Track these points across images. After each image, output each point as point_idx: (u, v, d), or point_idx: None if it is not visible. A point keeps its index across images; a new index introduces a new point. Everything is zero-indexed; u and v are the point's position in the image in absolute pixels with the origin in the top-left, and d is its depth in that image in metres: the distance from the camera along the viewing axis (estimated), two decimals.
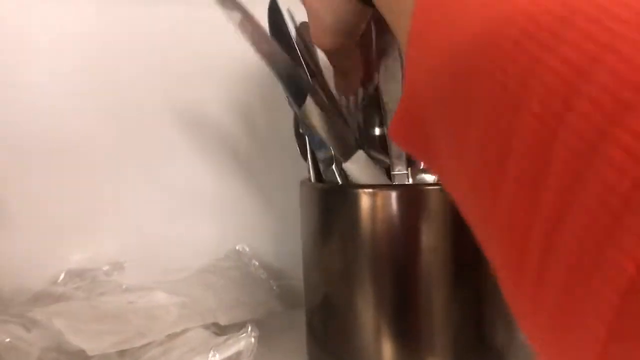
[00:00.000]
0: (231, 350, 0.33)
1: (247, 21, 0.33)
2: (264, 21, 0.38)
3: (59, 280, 0.45)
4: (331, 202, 0.40)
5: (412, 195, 0.38)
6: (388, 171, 0.41)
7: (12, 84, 0.47)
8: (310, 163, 0.42)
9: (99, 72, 0.49)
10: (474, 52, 0.16)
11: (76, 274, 0.46)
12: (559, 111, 0.13)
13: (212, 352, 0.32)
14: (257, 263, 0.52)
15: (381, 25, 0.40)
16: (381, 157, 0.43)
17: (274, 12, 0.39)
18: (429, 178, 0.41)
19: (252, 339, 0.33)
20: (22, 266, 0.47)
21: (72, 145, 0.49)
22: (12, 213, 0.47)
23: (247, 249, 0.54)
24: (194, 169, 0.52)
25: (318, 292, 0.42)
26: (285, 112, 0.43)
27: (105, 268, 0.48)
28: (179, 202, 0.52)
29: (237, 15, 0.33)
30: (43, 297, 0.40)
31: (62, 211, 0.49)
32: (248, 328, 0.34)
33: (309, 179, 0.43)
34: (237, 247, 0.53)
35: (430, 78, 0.18)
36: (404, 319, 0.39)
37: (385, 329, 0.40)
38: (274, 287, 0.51)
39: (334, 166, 0.39)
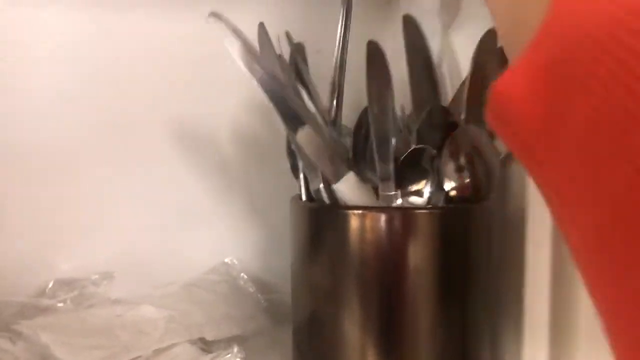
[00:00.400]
0: None
1: (243, 46, 0.34)
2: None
3: (47, 289, 0.45)
4: (321, 221, 0.40)
5: (401, 218, 0.39)
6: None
7: (7, 92, 0.48)
8: (301, 181, 0.43)
9: (94, 84, 0.49)
10: None
11: (65, 284, 0.47)
12: None
13: None
14: (245, 276, 0.53)
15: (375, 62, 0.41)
16: (374, 177, 0.43)
17: (263, 35, 0.40)
18: (417, 200, 0.41)
19: (238, 359, 0.34)
20: (11, 275, 0.47)
21: (64, 156, 0.49)
22: (2, 221, 0.47)
23: (236, 262, 0.54)
24: (185, 182, 0.53)
25: (305, 309, 0.43)
26: (279, 128, 0.43)
27: (94, 277, 0.48)
28: (169, 214, 0.53)
29: (234, 41, 0.34)
30: (30, 309, 0.40)
31: (53, 221, 0.49)
32: (234, 349, 0.34)
33: (300, 197, 0.43)
34: (225, 260, 0.53)
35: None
36: (390, 339, 0.40)
37: (370, 348, 0.40)
38: (262, 301, 0.52)
39: (321, 186, 0.39)
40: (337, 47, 0.44)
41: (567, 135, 0.17)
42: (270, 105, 0.37)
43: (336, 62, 0.44)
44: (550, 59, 0.17)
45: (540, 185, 0.19)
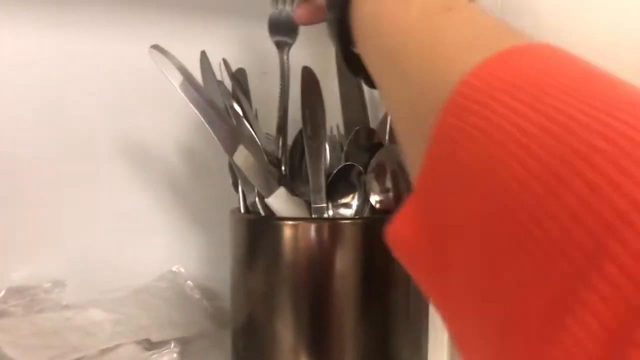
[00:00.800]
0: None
1: (183, 76, 0.38)
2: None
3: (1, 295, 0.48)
4: (257, 231, 0.44)
5: (328, 228, 0.43)
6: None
7: None
8: (240, 194, 0.47)
9: (47, 102, 0.52)
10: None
11: (17, 291, 0.49)
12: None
13: None
14: (191, 284, 0.56)
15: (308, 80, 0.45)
16: (308, 191, 0.48)
17: (204, 63, 0.44)
18: (344, 212, 0.46)
19: (175, 354, 0.37)
20: None
21: (17, 170, 0.52)
22: None
23: (183, 270, 0.57)
24: (134, 194, 0.56)
25: (242, 313, 0.46)
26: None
27: (47, 286, 0.51)
28: (118, 225, 0.56)
29: (174, 72, 0.38)
30: None
31: (4, 229, 0.52)
32: (171, 344, 0.38)
33: (239, 209, 0.47)
34: (173, 269, 0.57)
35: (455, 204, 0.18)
36: (319, 340, 0.44)
37: (301, 348, 0.44)
38: (208, 307, 0.55)
39: (256, 200, 0.43)
40: (280, 71, 0.49)
41: (447, 280, 0.19)
42: (209, 129, 0.41)
43: (281, 86, 0.48)
44: (428, 208, 0.20)
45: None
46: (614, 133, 0.15)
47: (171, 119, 0.55)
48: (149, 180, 0.57)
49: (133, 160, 0.56)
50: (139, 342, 0.43)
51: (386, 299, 0.45)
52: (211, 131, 0.40)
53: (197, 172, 0.58)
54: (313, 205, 0.45)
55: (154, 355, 0.37)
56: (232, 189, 0.49)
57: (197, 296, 0.56)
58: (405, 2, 0.24)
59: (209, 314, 0.54)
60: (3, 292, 0.49)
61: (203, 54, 0.44)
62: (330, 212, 0.46)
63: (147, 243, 0.57)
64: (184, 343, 0.47)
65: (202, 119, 0.39)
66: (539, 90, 0.17)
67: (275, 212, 0.44)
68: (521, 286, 0.16)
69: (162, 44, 0.40)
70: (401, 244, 0.23)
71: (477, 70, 0.18)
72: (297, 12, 0.37)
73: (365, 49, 0.27)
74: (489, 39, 0.21)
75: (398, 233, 0.22)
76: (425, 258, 0.21)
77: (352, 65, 0.30)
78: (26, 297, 0.49)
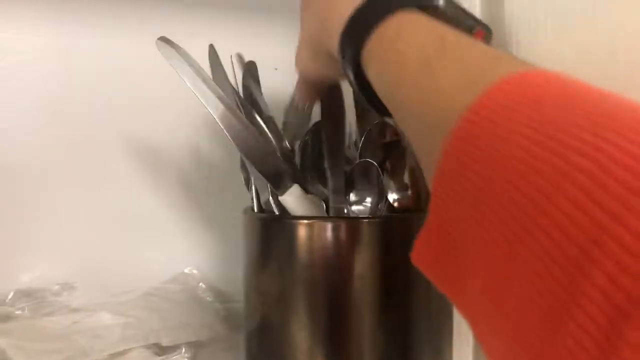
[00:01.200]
0: None
1: (193, 71, 0.36)
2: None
3: (7, 300, 0.47)
4: (270, 231, 0.43)
5: (345, 227, 0.41)
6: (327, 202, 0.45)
7: None
8: (253, 193, 0.45)
9: (53, 103, 0.51)
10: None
11: (25, 294, 0.48)
12: None
13: None
14: (204, 286, 0.55)
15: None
16: (322, 189, 0.46)
17: (213, 57, 0.42)
18: (361, 210, 0.44)
19: (185, 359, 0.36)
20: None
21: (26, 169, 0.51)
22: None
23: (196, 272, 0.56)
24: (146, 195, 0.55)
25: (256, 315, 0.45)
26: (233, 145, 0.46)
27: (55, 288, 0.49)
28: (130, 227, 0.55)
29: (184, 66, 0.36)
30: None
31: (14, 233, 0.51)
32: (182, 349, 0.36)
33: (252, 208, 0.46)
34: (185, 270, 0.55)
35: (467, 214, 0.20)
36: (335, 342, 0.42)
37: (317, 351, 0.43)
38: (220, 310, 0.54)
39: (270, 198, 0.42)
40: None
41: (466, 297, 0.22)
42: (221, 126, 0.39)
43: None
44: (441, 227, 0.22)
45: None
46: (596, 152, 0.16)
47: (182, 117, 0.54)
48: (160, 181, 0.55)
49: (144, 160, 0.54)
50: (148, 347, 0.41)
51: (406, 301, 0.43)
52: (222, 127, 0.38)
53: (209, 171, 0.57)
54: (332, 205, 0.44)
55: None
56: (243, 189, 0.47)
57: (210, 299, 0.54)
58: (402, 57, 0.26)
59: (222, 316, 0.53)
60: (11, 295, 0.48)
61: (211, 48, 0.43)
62: (345, 211, 0.44)
63: (159, 245, 0.55)
64: (196, 347, 0.46)
65: (212, 113, 0.37)
66: (529, 117, 0.19)
67: (290, 210, 0.42)
68: (521, 298, 0.18)
69: (171, 39, 0.39)
70: (425, 268, 0.25)
71: (477, 103, 0.21)
72: (297, 98, 0.41)
73: (381, 95, 0.29)
74: (485, 70, 0.23)
75: (421, 258, 0.25)
76: (445, 276, 0.23)
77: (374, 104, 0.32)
78: (34, 299, 0.48)
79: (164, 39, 0.38)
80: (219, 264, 0.57)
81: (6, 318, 0.42)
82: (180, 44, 0.39)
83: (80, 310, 0.43)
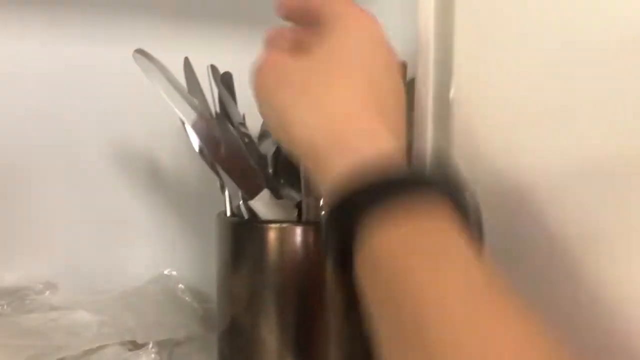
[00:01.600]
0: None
1: (167, 82, 0.38)
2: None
3: None
4: (241, 234, 0.45)
5: (313, 231, 0.43)
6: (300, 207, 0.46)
7: None
8: (226, 198, 0.47)
9: (40, 106, 0.53)
10: None
11: (7, 292, 0.50)
12: None
13: None
14: (182, 287, 0.57)
15: None
16: (295, 194, 0.48)
17: (188, 69, 0.44)
18: None
19: (153, 355, 0.37)
20: None
21: (11, 173, 0.53)
22: None
23: (175, 274, 0.58)
24: (127, 199, 0.57)
25: (227, 316, 0.47)
26: None
27: (39, 287, 0.51)
28: (113, 229, 0.57)
29: (159, 77, 0.38)
30: None
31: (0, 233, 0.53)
32: (149, 345, 0.38)
33: (225, 213, 0.47)
34: (165, 272, 0.57)
35: None
36: (303, 343, 0.44)
37: (286, 352, 0.44)
38: (198, 310, 0.56)
39: (240, 203, 0.44)
40: None
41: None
42: (193, 134, 0.41)
43: None
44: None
45: None
46: None
47: (159, 124, 0.56)
48: (141, 187, 0.58)
49: (124, 165, 0.57)
50: (123, 344, 0.43)
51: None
52: (194, 134, 0.40)
53: (188, 176, 0.59)
54: (305, 209, 0.45)
55: (133, 357, 0.37)
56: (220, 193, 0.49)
57: (188, 299, 0.56)
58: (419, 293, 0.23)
59: (199, 316, 0.54)
60: None
61: (186, 61, 0.45)
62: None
63: (141, 247, 0.58)
64: (171, 345, 0.48)
65: (185, 121, 0.39)
66: None
67: (260, 215, 0.44)
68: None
69: (149, 50, 0.41)
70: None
71: None
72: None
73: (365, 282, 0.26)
74: None
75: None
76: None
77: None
78: (17, 298, 0.49)
79: (140, 51, 0.40)
80: (197, 266, 0.59)
81: None
82: (157, 56, 0.41)
83: (59, 309, 0.45)
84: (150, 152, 0.57)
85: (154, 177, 0.58)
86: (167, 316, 0.51)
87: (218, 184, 0.50)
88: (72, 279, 0.54)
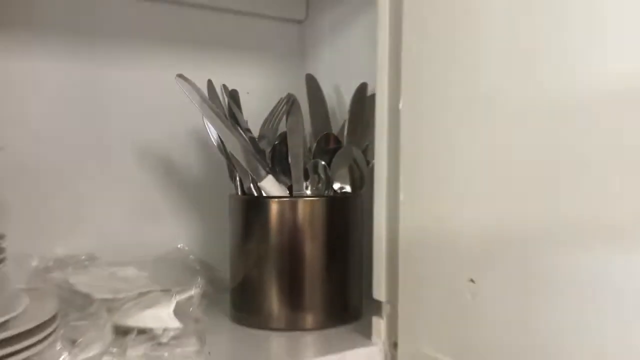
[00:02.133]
0: (187, 295, 0.52)
1: (200, 97, 0.54)
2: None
3: (50, 264, 0.62)
4: (251, 208, 0.61)
5: (303, 203, 0.60)
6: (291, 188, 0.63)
7: (17, 125, 0.65)
8: (237, 181, 0.63)
9: (87, 113, 0.68)
10: None
11: (61, 261, 0.64)
12: None
13: (174, 296, 0.51)
14: (193, 257, 0.72)
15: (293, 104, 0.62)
16: (287, 179, 0.64)
17: (210, 88, 0.61)
18: (314, 193, 0.63)
19: (199, 289, 0.53)
20: (17, 258, 0.64)
21: (59, 164, 0.67)
22: (17, 215, 0.64)
23: (186, 248, 0.73)
24: (150, 187, 0.72)
25: (239, 275, 0.62)
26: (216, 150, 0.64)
27: (82, 258, 0.65)
28: (138, 211, 0.71)
29: (194, 95, 0.54)
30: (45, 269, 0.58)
31: (48, 214, 0.67)
32: (198, 280, 0.53)
33: (236, 194, 0.63)
34: (179, 246, 0.72)
35: None
36: (296, 287, 0.60)
37: (281, 296, 0.60)
38: (206, 276, 0.71)
39: (251, 185, 0.60)
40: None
41: None
42: (215, 134, 0.58)
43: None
44: None
45: None
46: None
47: (176, 126, 0.72)
48: (160, 177, 0.73)
49: (147, 160, 0.72)
50: (163, 291, 0.58)
51: (344, 256, 0.62)
52: (220, 138, 0.56)
53: (197, 169, 0.75)
54: (294, 190, 0.62)
55: (183, 290, 0.52)
56: (224, 187, 0.65)
57: (198, 268, 0.71)
58: None
59: (208, 280, 0.69)
60: (52, 262, 0.63)
61: (210, 82, 0.61)
62: (307, 193, 0.63)
63: (159, 226, 0.72)
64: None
65: (212, 128, 0.56)
66: None
67: (266, 193, 0.60)
68: None
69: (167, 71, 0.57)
70: None
71: None
72: None
73: None
74: None
75: None
76: None
77: None
78: (69, 265, 0.63)
79: (181, 75, 0.56)
80: (204, 242, 0.75)
81: (61, 269, 0.58)
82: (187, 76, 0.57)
83: (115, 265, 0.60)
84: (168, 150, 0.73)
85: (170, 170, 0.73)
86: (184, 278, 0.66)
87: (227, 173, 0.66)
88: (108, 251, 0.68)
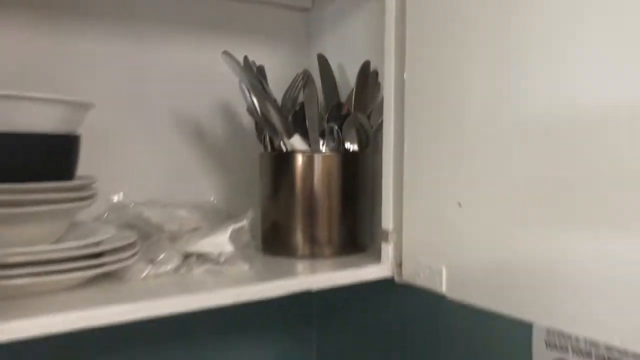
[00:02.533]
0: (240, 224, 0.66)
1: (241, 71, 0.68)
2: None
3: (109, 210, 0.75)
4: (281, 162, 0.74)
5: (323, 157, 0.74)
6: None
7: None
8: (267, 140, 0.77)
9: (139, 89, 0.81)
10: None
11: (117, 207, 0.77)
12: None
13: (231, 226, 0.65)
14: (221, 209, 0.85)
15: (308, 79, 0.76)
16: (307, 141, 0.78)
17: (248, 65, 0.74)
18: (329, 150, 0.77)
19: (250, 220, 0.67)
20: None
21: (112, 128, 0.79)
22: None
23: (215, 202, 0.87)
24: (185, 148, 0.85)
25: (270, 217, 0.76)
26: (243, 118, 0.77)
27: (133, 204, 0.78)
28: (175, 169, 0.84)
29: (237, 69, 0.68)
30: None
31: (107, 169, 0.79)
32: (249, 212, 0.67)
33: (266, 152, 0.77)
34: (211, 199, 0.86)
35: None
36: (315, 225, 0.74)
37: (304, 232, 0.74)
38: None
39: (281, 141, 0.74)
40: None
41: None
42: (253, 100, 0.71)
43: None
44: None
45: None
46: None
47: (208, 96, 0.85)
48: (194, 139, 0.86)
49: (183, 123, 0.85)
50: (210, 227, 0.71)
51: (356, 200, 0.76)
52: (254, 104, 0.70)
53: (226, 134, 0.88)
54: (312, 147, 0.76)
55: (236, 220, 0.66)
56: (249, 148, 0.79)
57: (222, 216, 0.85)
58: None
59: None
60: (108, 212, 0.76)
61: (246, 59, 0.75)
62: (324, 150, 0.77)
63: (192, 182, 0.86)
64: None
65: (249, 95, 0.69)
66: None
67: (294, 148, 0.74)
68: None
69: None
70: None
71: None
72: None
73: None
74: None
75: None
76: None
77: None
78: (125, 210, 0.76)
79: (226, 52, 0.69)
80: (230, 196, 0.88)
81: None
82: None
83: (168, 206, 0.73)
84: (201, 116, 0.86)
85: (203, 134, 0.87)
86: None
87: (253, 136, 0.80)
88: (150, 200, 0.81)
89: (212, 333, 0.90)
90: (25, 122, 0.54)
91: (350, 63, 0.88)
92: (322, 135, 0.77)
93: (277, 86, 0.80)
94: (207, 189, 0.87)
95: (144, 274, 0.58)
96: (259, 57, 0.81)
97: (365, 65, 0.82)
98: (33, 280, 0.52)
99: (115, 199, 0.78)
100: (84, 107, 0.60)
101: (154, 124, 0.83)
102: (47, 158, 0.56)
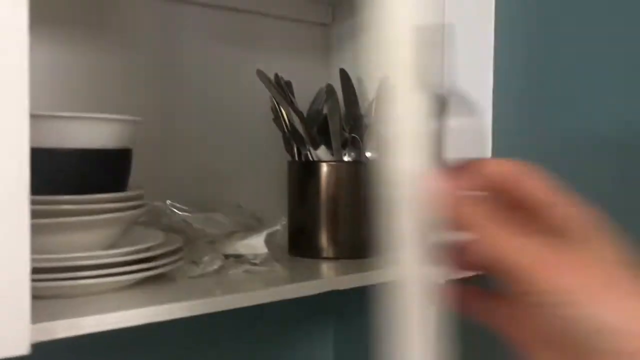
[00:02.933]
0: (274, 228, 0.72)
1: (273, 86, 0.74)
2: None
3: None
4: (308, 170, 0.81)
5: (346, 166, 0.80)
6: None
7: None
8: (295, 150, 0.83)
9: (170, 97, 0.87)
10: None
11: (157, 211, 0.83)
12: None
13: (266, 230, 0.72)
14: (249, 212, 0.92)
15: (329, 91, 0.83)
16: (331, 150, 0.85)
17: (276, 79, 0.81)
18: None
19: (283, 224, 0.73)
20: None
21: (166, 126, 0.86)
22: None
23: (244, 206, 0.93)
24: (219, 155, 0.92)
25: (296, 221, 0.82)
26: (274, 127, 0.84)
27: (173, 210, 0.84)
28: (210, 172, 0.91)
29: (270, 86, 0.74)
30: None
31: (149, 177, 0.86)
32: (282, 219, 0.74)
33: (294, 160, 0.84)
34: (240, 204, 0.92)
35: None
36: (336, 225, 0.81)
37: (329, 235, 0.80)
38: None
39: (309, 152, 0.80)
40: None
41: None
42: (282, 113, 0.78)
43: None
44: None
45: None
46: None
47: (246, 113, 0.92)
48: (228, 145, 0.93)
49: (218, 128, 0.92)
50: (246, 231, 0.78)
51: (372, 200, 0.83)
52: (284, 116, 0.76)
53: (255, 143, 0.95)
54: (335, 158, 0.82)
55: (269, 226, 0.73)
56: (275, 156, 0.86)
57: (253, 223, 0.91)
58: None
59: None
60: (150, 216, 0.83)
61: (276, 75, 0.81)
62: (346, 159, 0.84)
63: (225, 187, 0.92)
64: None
65: (281, 108, 0.76)
66: None
67: (320, 158, 0.80)
68: None
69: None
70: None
71: None
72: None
73: None
74: None
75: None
76: None
77: None
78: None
79: (259, 71, 0.76)
80: (259, 201, 0.95)
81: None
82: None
83: (206, 212, 0.80)
84: (232, 127, 0.93)
85: (233, 143, 0.93)
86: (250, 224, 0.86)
87: (281, 146, 0.86)
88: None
89: (236, 330, 0.97)
90: (87, 139, 0.61)
91: (368, 76, 0.94)
92: (345, 144, 0.83)
93: (300, 98, 0.86)
94: (236, 195, 0.94)
95: (195, 274, 0.65)
96: (282, 69, 0.88)
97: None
98: (96, 282, 0.58)
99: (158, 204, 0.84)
100: (136, 124, 0.66)
101: (190, 135, 0.90)
102: (104, 171, 0.63)
